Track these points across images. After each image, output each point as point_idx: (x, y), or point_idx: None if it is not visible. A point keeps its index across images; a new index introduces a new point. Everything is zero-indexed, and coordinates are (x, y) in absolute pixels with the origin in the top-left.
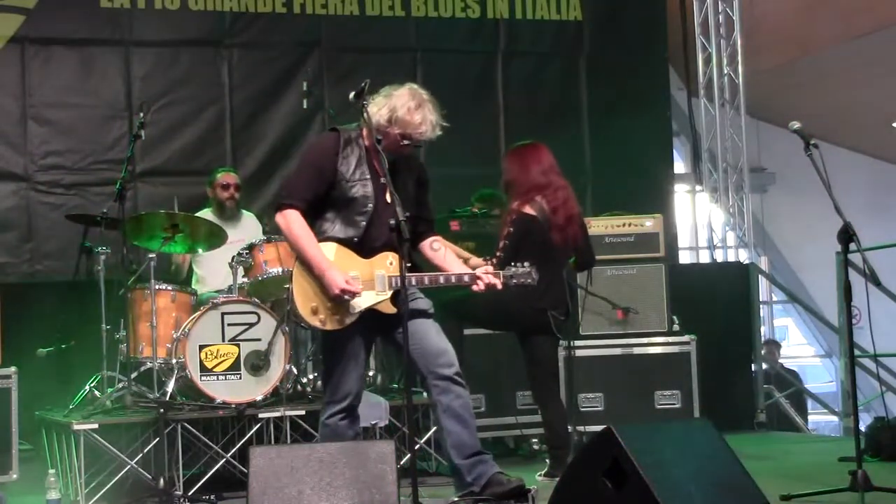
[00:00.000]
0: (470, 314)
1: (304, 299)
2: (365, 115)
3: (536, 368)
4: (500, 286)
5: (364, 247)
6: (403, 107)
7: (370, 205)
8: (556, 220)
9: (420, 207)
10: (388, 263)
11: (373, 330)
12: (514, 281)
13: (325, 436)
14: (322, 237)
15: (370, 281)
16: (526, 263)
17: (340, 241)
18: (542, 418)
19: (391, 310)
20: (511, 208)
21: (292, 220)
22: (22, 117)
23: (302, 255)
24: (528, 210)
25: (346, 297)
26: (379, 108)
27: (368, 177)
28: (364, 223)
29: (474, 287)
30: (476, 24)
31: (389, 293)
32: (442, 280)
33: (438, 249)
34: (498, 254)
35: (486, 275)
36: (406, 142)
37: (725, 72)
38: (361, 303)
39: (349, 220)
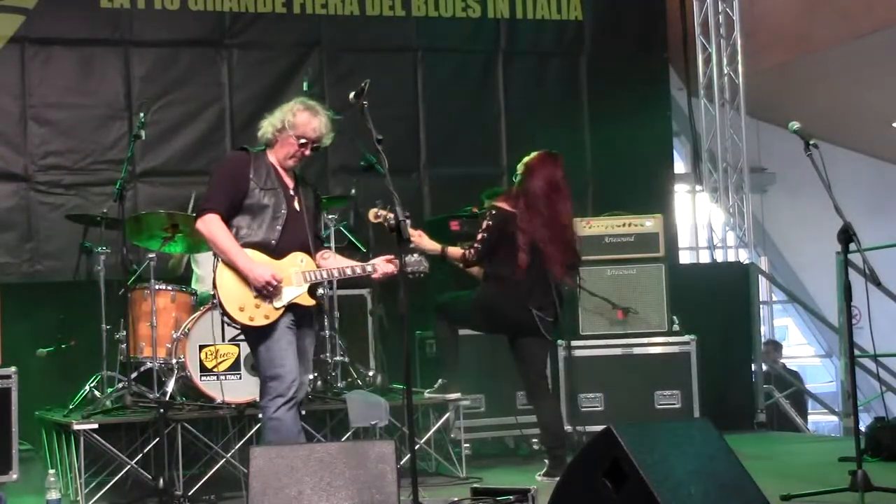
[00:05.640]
0: (460, 316)
1: (230, 298)
2: (364, 114)
3: (527, 369)
4: (395, 272)
5: (278, 249)
6: (291, 111)
7: (283, 211)
8: (524, 241)
9: (315, 224)
10: (299, 261)
11: (296, 325)
12: (409, 269)
13: (276, 429)
14: (239, 242)
15: (288, 277)
16: (416, 254)
17: (255, 246)
18: (537, 419)
19: (310, 302)
20: (493, 204)
21: (213, 224)
22: (22, 117)
23: (226, 255)
24: (506, 206)
25: (272, 288)
26: (271, 121)
27: (278, 187)
28: (279, 228)
29: (374, 276)
30: (476, 23)
31: (306, 286)
32: (349, 272)
33: (329, 258)
34: (476, 245)
35: (382, 263)
36: (303, 140)
37: (725, 72)
38: (284, 297)
39: (265, 226)
